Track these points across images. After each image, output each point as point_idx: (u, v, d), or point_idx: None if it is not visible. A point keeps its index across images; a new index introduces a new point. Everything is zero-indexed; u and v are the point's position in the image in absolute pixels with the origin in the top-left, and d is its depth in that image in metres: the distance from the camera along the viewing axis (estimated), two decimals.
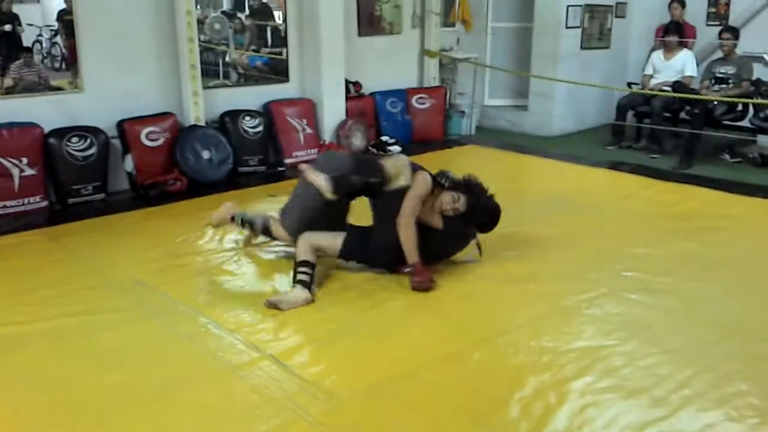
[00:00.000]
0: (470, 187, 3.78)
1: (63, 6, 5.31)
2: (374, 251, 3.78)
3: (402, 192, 3.68)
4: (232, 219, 4.21)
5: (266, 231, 4.10)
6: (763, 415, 2.61)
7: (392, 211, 3.66)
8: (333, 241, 3.76)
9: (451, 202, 3.72)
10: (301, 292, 3.53)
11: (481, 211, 3.78)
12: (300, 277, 3.58)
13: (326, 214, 3.82)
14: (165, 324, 3.32)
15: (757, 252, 4.34)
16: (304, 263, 3.62)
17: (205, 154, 5.81)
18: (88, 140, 5.30)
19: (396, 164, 3.77)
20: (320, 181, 3.76)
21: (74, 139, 5.24)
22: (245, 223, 4.17)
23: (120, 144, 5.58)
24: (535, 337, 3.17)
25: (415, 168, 3.80)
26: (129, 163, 5.54)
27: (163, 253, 4.24)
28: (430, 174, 3.81)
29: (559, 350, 3.05)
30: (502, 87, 8.74)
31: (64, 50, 5.39)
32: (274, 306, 3.44)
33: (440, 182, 3.80)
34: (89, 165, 5.30)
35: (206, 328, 3.27)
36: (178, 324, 3.32)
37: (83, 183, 5.29)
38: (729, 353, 3.06)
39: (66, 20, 5.33)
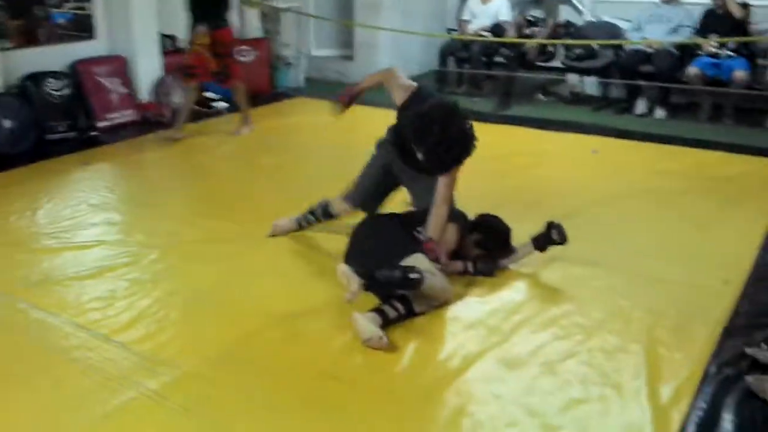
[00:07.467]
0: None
1: None
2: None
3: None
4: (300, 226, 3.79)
5: (327, 213, 3.71)
6: (587, 331, 2.84)
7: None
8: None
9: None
10: (376, 330, 2.72)
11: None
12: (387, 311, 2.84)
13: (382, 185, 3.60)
14: None
15: (571, 180, 4.70)
16: (403, 300, 2.90)
17: (6, 124, 5.24)
18: None
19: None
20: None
21: None
22: (306, 221, 3.77)
23: None
24: None
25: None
26: None
27: None
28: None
29: None
30: (328, 37, 8.64)
31: None
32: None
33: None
34: None
35: (26, 314, 2.98)
36: None
37: None
38: (551, 278, 3.31)
39: None
